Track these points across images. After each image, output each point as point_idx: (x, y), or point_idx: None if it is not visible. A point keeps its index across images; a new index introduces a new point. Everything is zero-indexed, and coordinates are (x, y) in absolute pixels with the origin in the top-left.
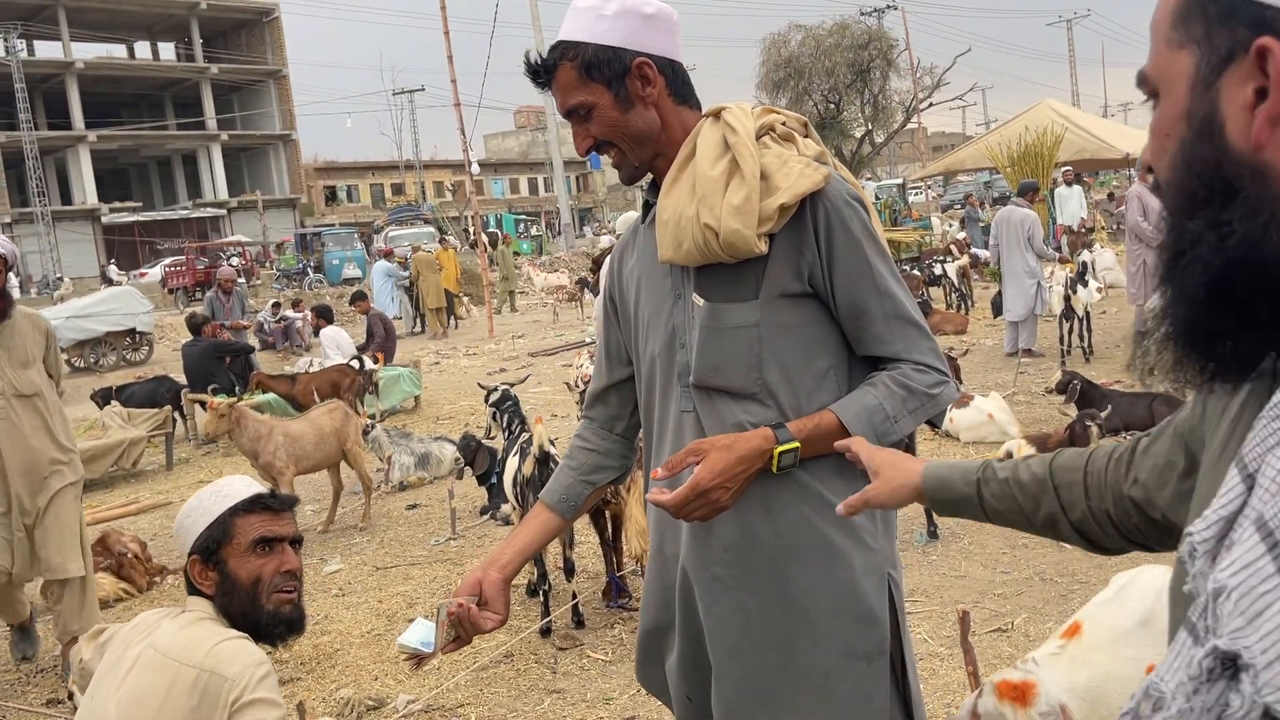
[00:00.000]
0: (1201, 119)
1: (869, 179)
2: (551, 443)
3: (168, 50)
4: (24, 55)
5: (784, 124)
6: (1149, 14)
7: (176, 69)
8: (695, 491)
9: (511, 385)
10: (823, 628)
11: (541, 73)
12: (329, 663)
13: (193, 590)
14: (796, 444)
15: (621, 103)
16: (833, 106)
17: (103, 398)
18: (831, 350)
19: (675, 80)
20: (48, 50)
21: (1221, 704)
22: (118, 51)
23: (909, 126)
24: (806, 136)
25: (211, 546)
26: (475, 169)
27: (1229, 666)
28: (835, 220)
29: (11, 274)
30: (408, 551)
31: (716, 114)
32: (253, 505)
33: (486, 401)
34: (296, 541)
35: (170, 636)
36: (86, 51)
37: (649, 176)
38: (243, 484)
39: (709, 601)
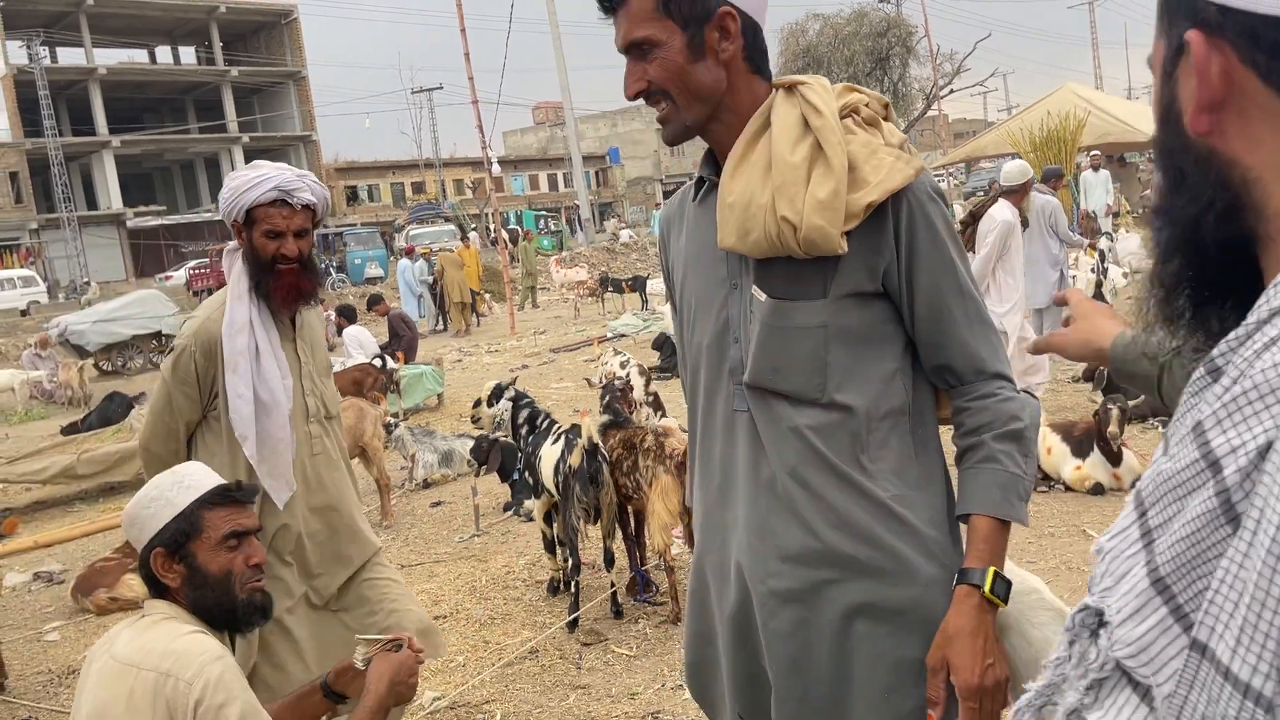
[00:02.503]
0: (1166, 107)
1: None
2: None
3: (188, 54)
4: (47, 62)
5: (868, 105)
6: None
7: (197, 72)
8: (978, 697)
9: (507, 384)
10: (885, 642)
11: None
12: None
13: (153, 585)
14: (993, 569)
15: (693, 50)
16: None
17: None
18: (897, 353)
19: (754, 45)
20: (70, 57)
21: (1086, 656)
22: (139, 56)
23: (930, 114)
24: (886, 120)
25: (179, 540)
26: (495, 167)
27: (1100, 622)
28: (919, 216)
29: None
30: (432, 549)
31: (790, 87)
32: (221, 497)
33: (488, 405)
34: (259, 531)
35: (128, 643)
36: (108, 57)
37: (679, 156)
38: (203, 472)
39: (766, 615)
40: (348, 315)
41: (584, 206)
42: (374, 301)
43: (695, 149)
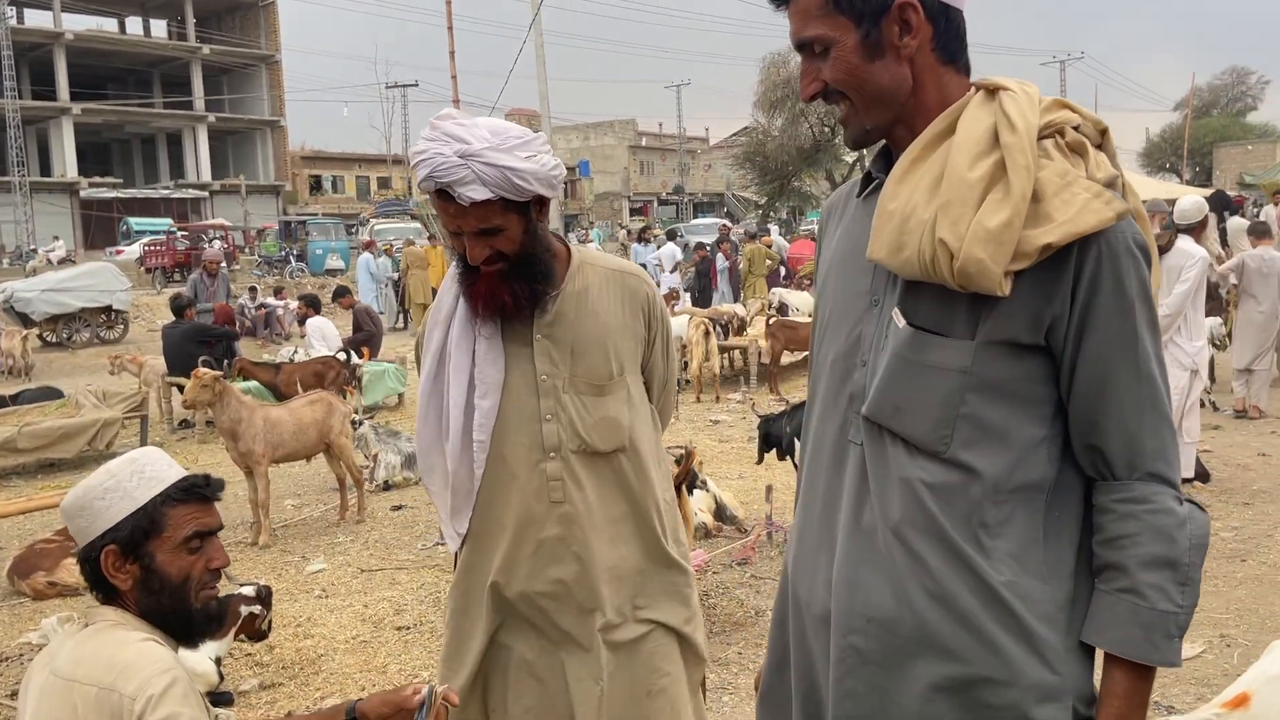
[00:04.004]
0: None
1: None
2: None
3: (160, 27)
4: (13, 22)
5: (1077, 128)
6: (1142, 61)
7: (168, 47)
8: None
9: None
10: None
11: None
12: (313, 669)
13: (99, 585)
14: None
15: (869, 48)
16: (827, 130)
17: None
18: (1049, 417)
19: (945, 32)
20: (38, 19)
21: None
22: (109, 24)
23: None
24: (1100, 149)
25: (136, 538)
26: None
27: None
28: (1108, 271)
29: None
30: (394, 554)
31: (992, 90)
32: (187, 494)
33: None
34: (220, 529)
35: (70, 655)
36: (77, 23)
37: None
38: (163, 461)
39: (841, 673)
40: (313, 305)
41: (553, 217)
42: (340, 293)
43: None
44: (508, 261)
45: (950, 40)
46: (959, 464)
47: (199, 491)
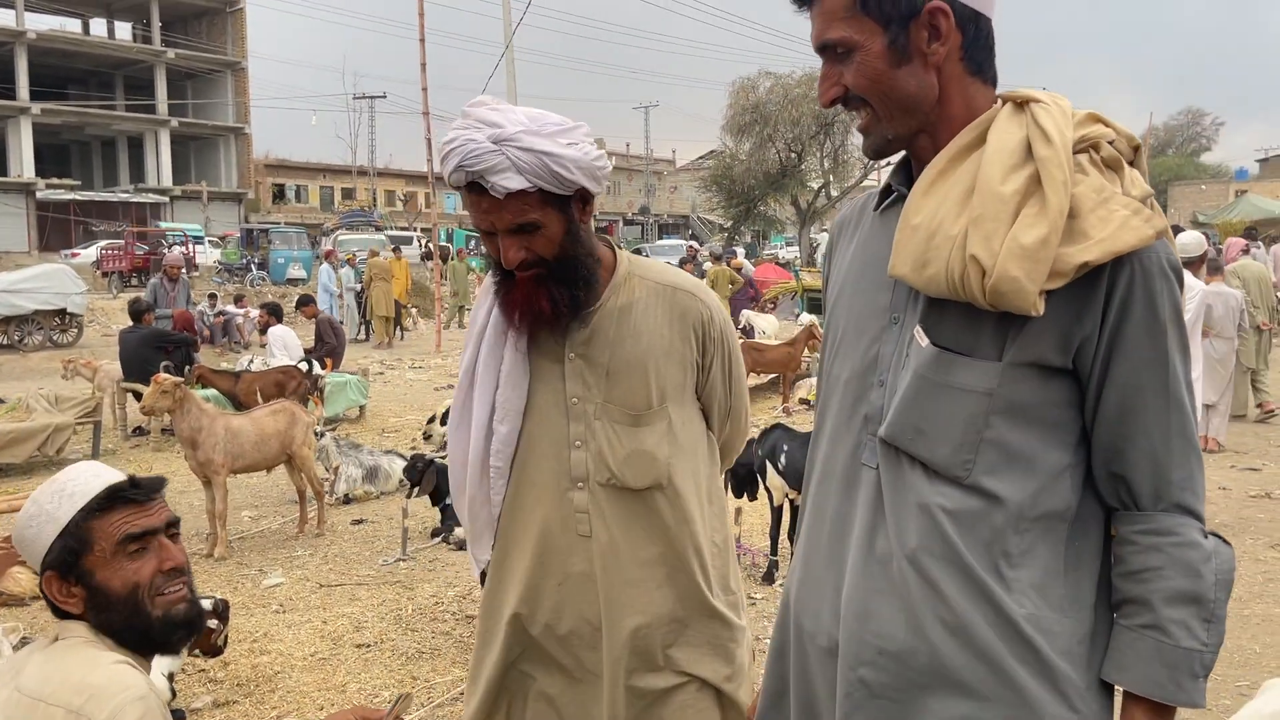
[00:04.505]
0: None
1: (823, 231)
2: None
3: (124, 30)
4: None
5: (1112, 143)
6: (1097, 100)
7: (132, 49)
8: None
9: None
10: None
11: None
12: (268, 686)
13: (56, 612)
14: None
15: (895, 53)
16: (794, 156)
17: None
18: (1073, 444)
19: (974, 41)
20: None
21: None
22: (72, 25)
23: (867, 183)
24: (1133, 165)
25: (69, 559)
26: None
27: None
28: (1140, 291)
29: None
30: (354, 570)
31: (1021, 102)
32: (110, 501)
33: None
34: (172, 527)
35: (37, 673)
36: (40, 22)
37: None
38: (88, 475)
39: (848, 708)
40: (275, 313)
41: None
42: (303, 302)
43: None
44: (546, 266)
45: (979, 49)
46: (981, 490)
47: (123, 494)
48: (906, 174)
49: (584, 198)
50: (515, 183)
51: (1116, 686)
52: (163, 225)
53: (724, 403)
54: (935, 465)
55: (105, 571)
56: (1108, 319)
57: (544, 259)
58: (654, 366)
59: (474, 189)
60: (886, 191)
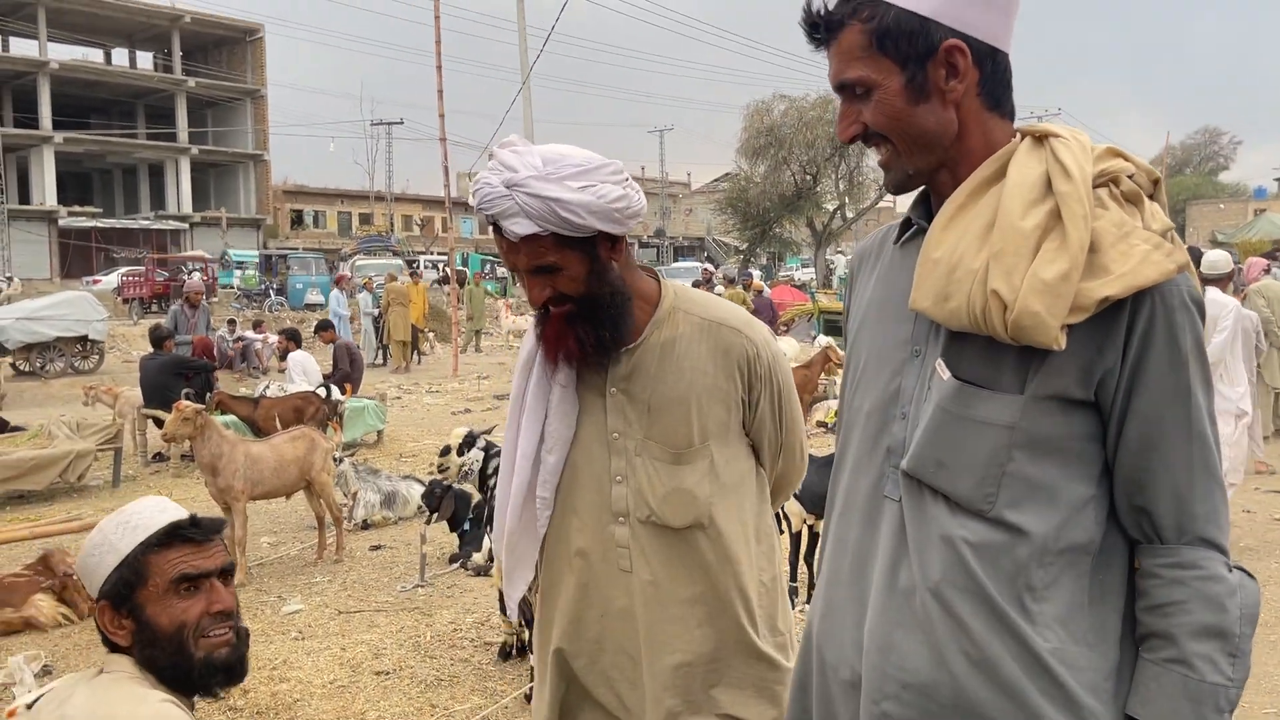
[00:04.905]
0: None
1: (839, 253)
2: None
3: (145, 60)
4: None
5: (1132, 177)
6: (1113, 120)
7: (153, 78)
8: None
9: (479, 432)
10: None
11: (821, 27)
12: (288, 714)
13: (106, 642)
14: None
15: (913, 91)
16: (809, 178)
17: None
18: (1096, 477)
19: (992, 76)
20: (23, 48)
21: None
22: (94, 55)
23: (882, 204)
24: (1153, 199)
25: (123, 591)
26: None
27: None
28: (1161, 325)
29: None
30: (372, 596)
31: (1040, 137)
32: (170, 538)
33: (459, 452)
34: (226, 572)
35: (84, 704)
36: (63, 53)
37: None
38: (154, 509)
39: None
40: (294, 339)
41: None
42: (322, 327)
43: (647, 214)
44: (574, 304)
45: (996, 84)
46: (1004, 523)
47: (183, 533)
48: (926, 207)
49: (610, 237)
50: (524, 228)
51: None
52: (231, 254)
53: (775, 439)
54: (958, 498)
55: (156, 607)
56: (1129, 352)
57: (570, 297)
58: (696, 404)
59: (497, 229)
60: (906, 224)
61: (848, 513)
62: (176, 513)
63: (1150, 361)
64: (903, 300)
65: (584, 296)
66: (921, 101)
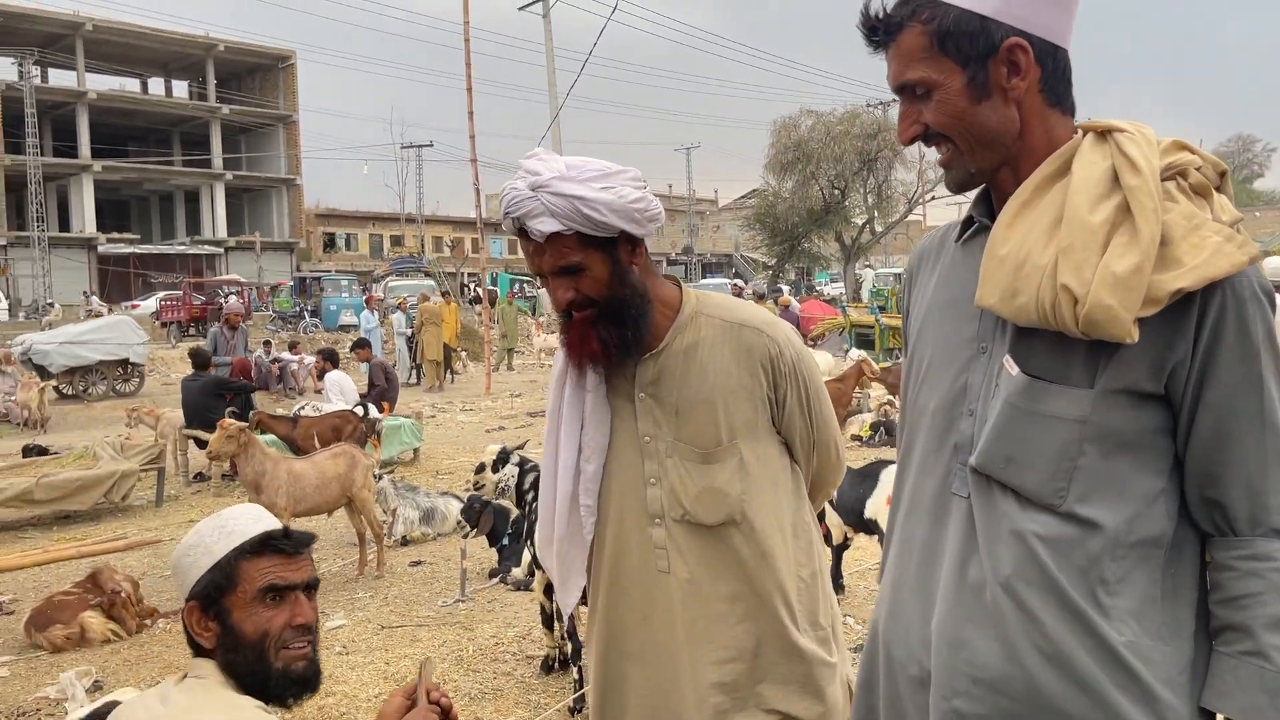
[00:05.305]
0: None
1: (867, 266)
2: None
3: (180, 88)
4: (37, 81)
5: (1199, 169)
6: (1149, 122)
7: (188, 106)
8: None
9: (513, 448)
10: None
11: (880, 29)
12: None
13: (191, 643)
14: None
15: (975, 90)
16: (838, 192)
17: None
18: (1166, 470)
19: (1053, 73)
20: (61, 79)
21: None
22: (131, 85)
23: (911, 218)
24: (1220, 191)
25: (213, 594)
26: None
27: None
28: (1232, 316)
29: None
30: (414, 611)
31: (1103, 132)
32: (263, 547)
33: (493, 469)
34: (311, 587)
35: (183, 703)
36: (100, 83)
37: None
38: (250, 517)
39: None
40: (330, 359)
41: None
42: (359, 345)
43: (674, 230)
44: (596, 307)
45: (1057, 81)
46: (1076, 517)
47: (275, 543)
48: (987, 205)
49: (630, 240)
50: (549, 225)
51: (1217, 715)
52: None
53: (806, 436)
54: (1028, 493)
55: (241, 613)
56: (1200, 344)
57: (593, 300)
58: (722, 404)
59: (522, 234)
60: (968, 223)
61: (914, 511)
62: (270, 523)
63: (1221, 353)
64: (967, 298)
65: (606, 299)
66: (983, 100)
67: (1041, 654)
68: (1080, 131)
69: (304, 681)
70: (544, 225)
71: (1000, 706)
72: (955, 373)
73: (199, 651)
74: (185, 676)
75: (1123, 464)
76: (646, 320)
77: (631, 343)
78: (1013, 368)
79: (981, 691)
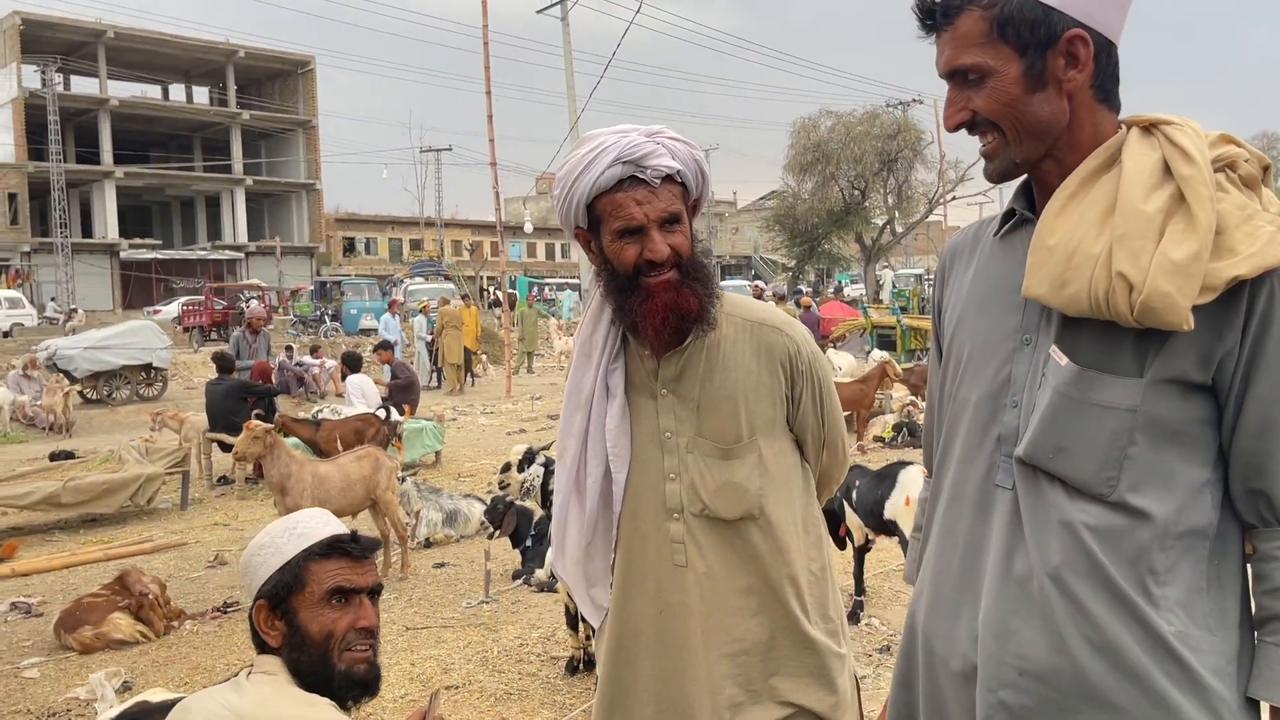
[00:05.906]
0: None
1: (886, 267)
2: None
3: (201, 94)
4: (60, 89)
5: (1247, 161)
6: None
7: (209, 112)
8: None
9: (538, 449)
10: None
11: (938, 13)
12: None
13: (257, 641)
14: None
15: (1030, 80)
16: (858, 193)
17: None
18: (1211, 461)
19: (1105, 69)
20: (84, 85)
21: None
22: (152, 91)
23: (931, 218)
24: (1265, 184)
25: (281, 593)
26: (528, 226)
27: None
28: None
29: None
30: (438, 612)
31: (1149, 126)
32: (330, 549)
33: (519, 469)
34: (375, 592)
35: (255, 696)
36: (122, 90)
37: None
38: (320, 520)
39: None
40: (351, 364)
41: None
42: (382, 346)
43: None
44: (681, 269)
45: (1108, 77)
46: (1126, 506)
47: (343, 547)
48: (1028, 198)
49: (695, 207)
50: (671, 163)
51: (1262, 704)
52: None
53: (818, 434)
54: (1077, 483)
55: (308, 613)
56: (1248, 334)
57: (680, 259)
58: (743, 400)
59: (623, 186)
60: (1008, 216)
61: (956, 503)
62: (338, 527)
63: (1269, 344)
64: (1008, 290)
65: (690, 259)
66: (1038, 90)
67: (1090, 644)
68: (1124, 127)
69: (365, 684)
70: (666, 162)
71: (1047, 698)
72: (998, 365)
73: (263, 649)
74: (251, 671)
75: (1170, 454)
76: (715, 282)
77: (709, 303)
78: (1061, 358)
79: (1029, 683)
